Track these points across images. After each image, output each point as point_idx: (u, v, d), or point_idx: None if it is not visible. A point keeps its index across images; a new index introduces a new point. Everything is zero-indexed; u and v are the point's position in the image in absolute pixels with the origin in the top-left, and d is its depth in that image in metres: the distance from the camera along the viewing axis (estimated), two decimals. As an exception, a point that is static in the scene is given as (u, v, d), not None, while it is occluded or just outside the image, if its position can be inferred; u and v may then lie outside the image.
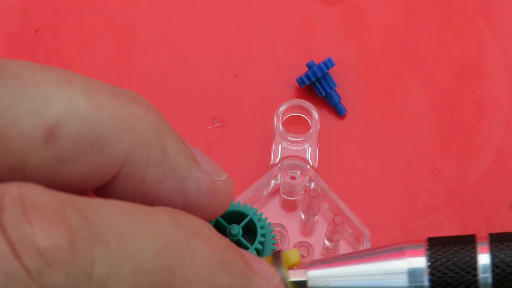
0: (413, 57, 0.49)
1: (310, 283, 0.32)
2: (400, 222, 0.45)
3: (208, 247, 0.28)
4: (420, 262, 0.31)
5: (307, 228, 0.43)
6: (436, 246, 0.32)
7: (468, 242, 0.32)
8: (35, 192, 0.24)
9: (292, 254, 0.33)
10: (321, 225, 0.43)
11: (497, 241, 0.32)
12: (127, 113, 0.30)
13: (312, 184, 0.43)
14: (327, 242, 0.42)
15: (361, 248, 0.42)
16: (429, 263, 0.31)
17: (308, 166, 0.43)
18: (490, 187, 0.46)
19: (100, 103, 0.29)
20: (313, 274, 0.32)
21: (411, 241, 0.32)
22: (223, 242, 0.29)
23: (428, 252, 0.31)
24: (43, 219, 0.23)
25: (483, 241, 0.32)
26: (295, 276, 0.33)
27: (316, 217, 0.42)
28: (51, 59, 0.48)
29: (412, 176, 0.46)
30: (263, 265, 0.32)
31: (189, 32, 0.49)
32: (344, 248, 0.42)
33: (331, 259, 0.33)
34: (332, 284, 0.32)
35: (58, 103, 0.28)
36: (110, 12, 0.50)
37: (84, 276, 0.24)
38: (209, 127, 0.47)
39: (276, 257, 0.33)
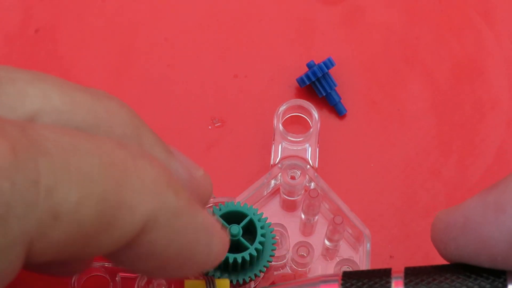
0: (413, 57, 0.49)
1: None
2: (400, 222, 0.45)
3: (154, 166, 0.28)
4: None
5: (307, 228, 0.43)
6: (350, 280, 0.31)
7: (383, 276, 0.32)
8: None
9: (224, 284, 0.33)
10: (321, 225, 0.43)
11: (412, 275, 0.31)
12: (102, 108, 0.30)
13: (312, 184, 0.43)
14: (327, 242, 0.42)
15: (360, 249, 0.42)
16: None
17: (308, 166, 0.43)
18: (490, 187, 0.46)
19: (75, 98, 0.30)
20: None
21: (325, 276, 0.32)
22: (168, 169, 0.29)
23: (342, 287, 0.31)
24: None
25: (397, 275, 0.32)
26: None
27: (316, 217, 0.42)
28: (50, 59, 0.48)
29: (412, 176, 0.46)
30: (207, 209, 0.32)
31: (189, 32, 0.49)
32: (344, 248, 0.42)
33: None
34: None
35: (34, 98, 0.28)
36: (110, 12, 0.50)
37: (31, 183, 0.24)
38: (209, 127, 0.47)
39: (210, 282, 0.33)
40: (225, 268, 0.37)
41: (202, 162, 0.46)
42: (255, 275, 0.38)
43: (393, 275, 0.31)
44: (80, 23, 0.50)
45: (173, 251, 0.29)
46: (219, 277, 0.37)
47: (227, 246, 0.33)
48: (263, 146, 0.46)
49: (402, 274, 0.31)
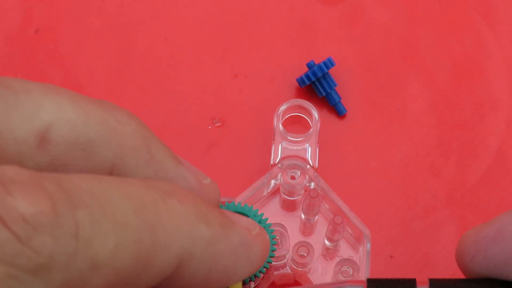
0: (413, 57, 0.49)
1: None
2: (400, 222, 0.45)
3: (183, 202, 0.29)
4: None
5: (307, 228, 0.43)
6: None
7: (407, 286, 0.32)
8: (10, 169, 0.25)
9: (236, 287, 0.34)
10: (321, 225, 0.43)
11: (438, 286, 0.31)
12: (114, 119, 0.31)
13: (312, 184, 0.43)
14: (327, 242, 0.42)
15: (360, 249, 0.42)
16: None
17: (308, 166, 0.43)
18: (490, 187, 0.46)
19: (88, 110, 0.30)
20: None
21: (350, 281, 0.32)
22: (196, 198, 0.30)
23: None
24: (22, 190, 0.25)
25: (422, 286, 0.32)
26: None
27: (316, 217, 0.42)
28: (51, 59, 0.48)
29: (412, 176, 0.46)
30: (240, 217, 0.33)
31: (189, 32, 0.49)
32: (344, 248, 0.42)
33: None
34: None
35: (49, 109, 0.29)
36: (110, 12, 0.50)
37: (70, 236, 0.25)
38: (209, 127, 0.47)
39: None
40: (225, 268, 0.37)
41: (202, 162, 0.46)
42: (255, 276, 0.38)
43: (418, 285, 0.31)
44: (80, 23, 0.50)
45: (215, 276, 0.30)
46: None
47: (267, 246, 0.33)
48: (263, 146, 0.46)
49: (427, 285, 0.31)
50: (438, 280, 0.32)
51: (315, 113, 0.44)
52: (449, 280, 0.32)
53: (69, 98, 0.30)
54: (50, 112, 0.29)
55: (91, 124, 0.30)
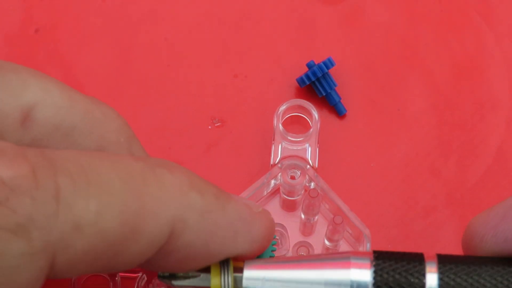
0: (413, 57, 0.49)
1: (244, 284, 0.31)
2: (400, 222, 0.45)
3: (173, 172, 0.29)
4: (365, 276, 0.30)
5: (307, 228, 0.43)
6: (382, 261, 0.30)
7: (415, 260, 0.31)
8: None
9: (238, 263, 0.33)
10: (321, 225, 0.43)
11: (447, 261, 0.31)
12: (99, 112, 0.32)
13: (312, 184, 0.43)
14: (327, 242, 0.42)
15: (361, 249, 0.42)
16: (374, 279, 0.30)
17: (308, 166, 0.43)
18: (490, 187, 0.46)
19: (74, 98, 0.31)
20: (249, 275, 0.31)
21: (356, 252, 0.31)
22: (189, 171, 0.30)
23: (374, 267, 0.30)
24: (3, 157, 0.25)
25: (431, 260, 0.31)
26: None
27: (316, 217, 0.42)
28: (51, 59, 0.48)
29: (412, 176, 0.46)
30: (240, 196, 0.33)
31: (189, 32, 0.49)
32: (344, 248, 0.42)
33: (271, 260, 0.32)
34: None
35: (35, 89, 0.30)
36: (110, 12, 0.50)
37: (50, 198, 0.26)
38: (209, 127, 0.47)
39: (224, 263, 0.33)
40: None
41: (202, 162, 0.46)
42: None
43: (427, 260, 0.31)
44: (80, 23, 0.50)
45: (213, 248, 0.30)
46: None
47: (271, 225, 0.33)
48: (263, 146, 0.46)
49: (435, 260, 0.31)
50: (446, 256, 0.31)
51: (315, 113, 0.44)
52: (457, 256, 0.31)
53: (57, 84, 0.31)
54: (36, 92, 0.30)
55: (76, 111, 0.31)
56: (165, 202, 0.28)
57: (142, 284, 0.40)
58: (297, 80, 0.48)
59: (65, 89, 0.31)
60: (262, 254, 0.38)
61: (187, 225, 0.29)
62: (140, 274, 0.40)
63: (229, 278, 0.32)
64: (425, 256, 0.31)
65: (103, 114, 0.32)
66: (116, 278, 0.41)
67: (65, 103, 0.30)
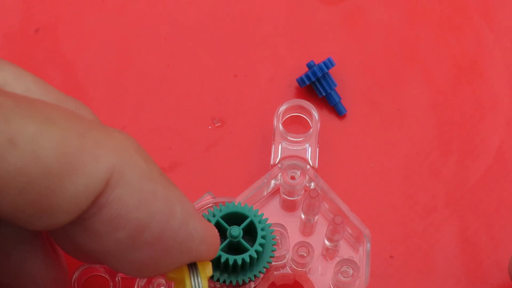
0: (413, 57, 0.49)
1: None
2: (400, 222, 0.45)
3: (123, 134, 0.30)
4: None
5: (307, 228, 0.43)
6: None
7: None
8: None
9: (206, 266, 0.33)
10: (321, 225, 0.43)
11: None
12: (73, 104, 0.32)
13: (312, 184, 0.43)
14: (327, 242, 0.42)
15: (360, 249, 0.42)
16: None
17: (308, 166, 0.43)
18: (490, 187, 0.46)
19: (48, 88, 0.31)
20: None
21: None
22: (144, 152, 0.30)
23: None
24: None
25: None
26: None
27: (316, 217, 0.42)
28: (51, 59, 0.48)
29: (412, 176, 0.46)
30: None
31: (189, 32, 0.49)
32: (344, 248, 0.42)
33: None
34: None
35: (8, 73, 0.30)
36: (110, 12, 0.50)
37: None
38: (209, 127, 0.47)
39: (192, 267, 0.32)
40: (225, 269, 0.37)
41: (202, 162, 0.46)
42: (255, 276, 0.38)
43: None
44: (80, 23, 0.50)
45: (144, 216, 0.29)
46: (218, 278, 0.37)
47: (212, 234, 0.32)
48: (263, 146, 0.46)
49: None
50: None
51: (315, 113, 0.44)
52: None
53: (31, 75, 0.31)
54: (8, 75, 0.30)
55: (48, 99, 0.30)
56: (107, 149, 0.28)
57: (142, 284, 0.40)
58: (297, 80, 0.48)
59: (39, 80, 0.31)
60: (263, 254, 0.38)
61: (124, 178, 0.28)
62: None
63: (199, 280, 0.32)
64: None
65: (75, 106, 0.32)
66: (116, 278, 0.41)
67: (37, 90, 0.31)
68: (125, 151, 0.29)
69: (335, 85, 0.47)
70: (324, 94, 0.47)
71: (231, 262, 0.37)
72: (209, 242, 0.32)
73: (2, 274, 0.32)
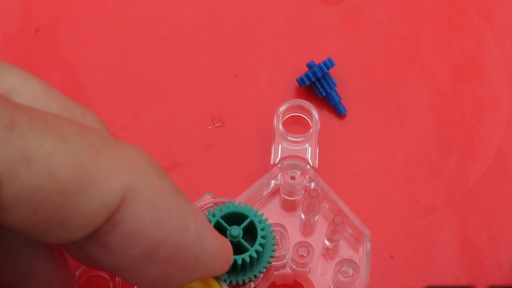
0: (413, 57, 0.49)
1: None
2: (400, 222, 0.45)
3: (137, 149, 0.30)
4: None
5: (307, 228, 0.43)
6: None
7: None
8: None
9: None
10: (321, 225, 0.43)
11: None
12: (78, 110, 0.32)
13: (312, 184, 0.43)
14: (327, 242, 0.42)
15: (360, 249, 0.42)
16: None
17: (308, 166, 0.43)
18: (490, 187, 0.46)
19: (54, 92, 0.31)
20: None
21: None
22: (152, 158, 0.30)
23: None
24: None
25: None
26: None
27: (316, 217, 0.42)
28: (51, 59, 0.48)
29: (412, 176, 0.46)
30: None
31: (189, 32, 0.49)
32: (344, 248, 0.42)
33: None
34: None
35: (15, 78, 0.30)
36: (110, 11, 0.50)
37: (3, 126, 0.25)
38: (209, 127, 0.47)
39: (219, 280, 0.33)
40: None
41: (202, 162, 0.46)
42: (255, 276, 0.38)
43: None
44: (80, 23, 0.50)
45: (159, 233, 0.29)
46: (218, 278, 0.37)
47: (226, 248, 0.32)
48: (263, 146, 0.46)
49: None
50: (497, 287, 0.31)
51: (315, 113, 0.44)
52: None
53: (37, 79, 0.31)
54: (16, 80, 0.30)
55: (54, 104, 0.30)
56: (121, 166, 0.28)
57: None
58: (297, 80, 0.48)
59: (45, 84, 0.31)
60: (263, 254, 0.38)
61: (139, 196, 0.28)
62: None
63: None
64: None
65: (82, 113, 0.31)
66: (116, 278, 0.41)
67: (44, 95, 0.30)
68: (140, 167, 0.29)
69: (335, 85, 0.47)
70: (324, 94, 0.47)
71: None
72: (222, 256, 0.32)
73: (10, 276, 0.32)
